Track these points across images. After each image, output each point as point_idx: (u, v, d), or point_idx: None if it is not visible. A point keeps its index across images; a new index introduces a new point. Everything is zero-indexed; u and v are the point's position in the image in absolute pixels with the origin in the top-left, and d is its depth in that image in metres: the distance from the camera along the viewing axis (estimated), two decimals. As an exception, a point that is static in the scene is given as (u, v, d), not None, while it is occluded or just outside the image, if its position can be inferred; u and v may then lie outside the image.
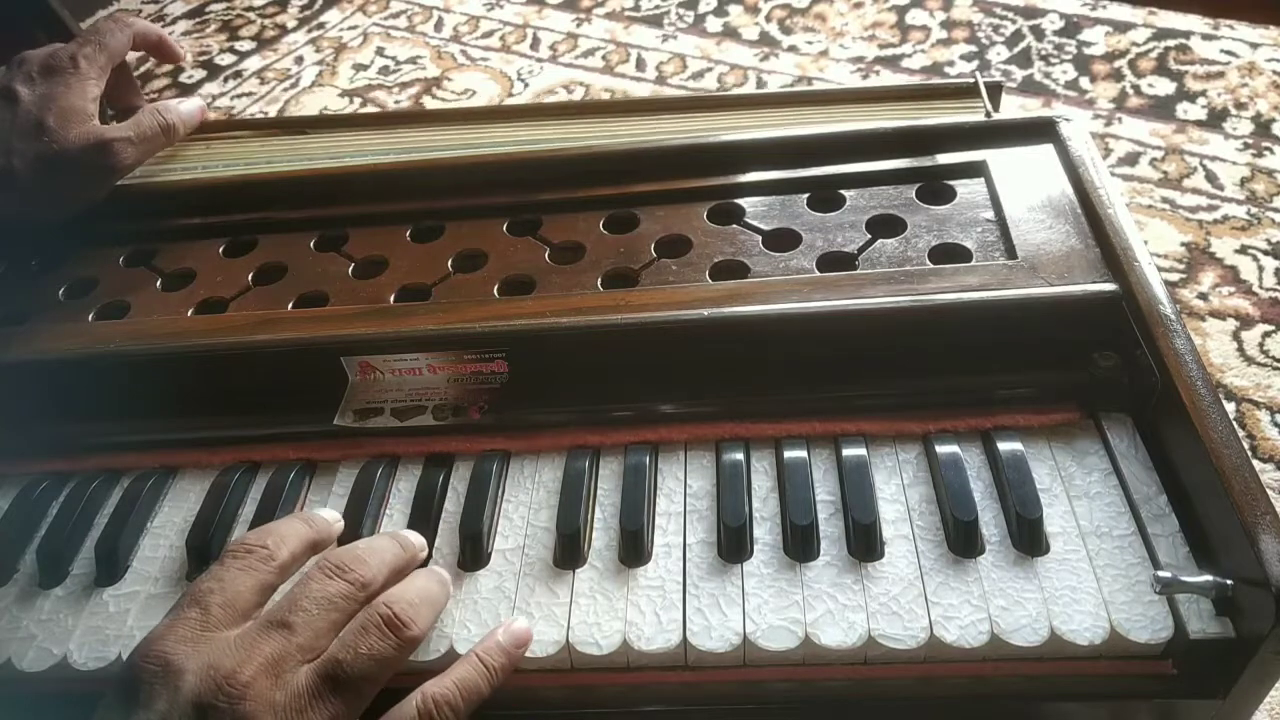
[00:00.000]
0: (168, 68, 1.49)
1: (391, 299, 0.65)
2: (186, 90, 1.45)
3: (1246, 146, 1.10)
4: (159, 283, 0.70)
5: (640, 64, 1.38)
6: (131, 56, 0.80)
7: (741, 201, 0.68)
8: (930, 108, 0.77)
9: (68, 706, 0.54)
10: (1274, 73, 1.20)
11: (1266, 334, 0.91)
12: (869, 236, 0.64)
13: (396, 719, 0.46)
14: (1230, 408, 0.85)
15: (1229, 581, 0.47)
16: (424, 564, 0.55)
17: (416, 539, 0.55)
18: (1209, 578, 0.47)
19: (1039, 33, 1.32)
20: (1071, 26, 1.32)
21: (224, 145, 0.83)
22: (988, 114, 0.74)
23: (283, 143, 0.83)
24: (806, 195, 0.68)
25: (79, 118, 0.71)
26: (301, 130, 0.84)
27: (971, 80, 0.77)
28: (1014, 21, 1.35)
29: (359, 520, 0.57)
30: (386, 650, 0.46)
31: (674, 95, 1.30)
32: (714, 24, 1.43)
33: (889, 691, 0.51)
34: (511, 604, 0.53)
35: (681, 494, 0.57)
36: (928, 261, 0.62)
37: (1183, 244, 1.00)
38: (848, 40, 1.36)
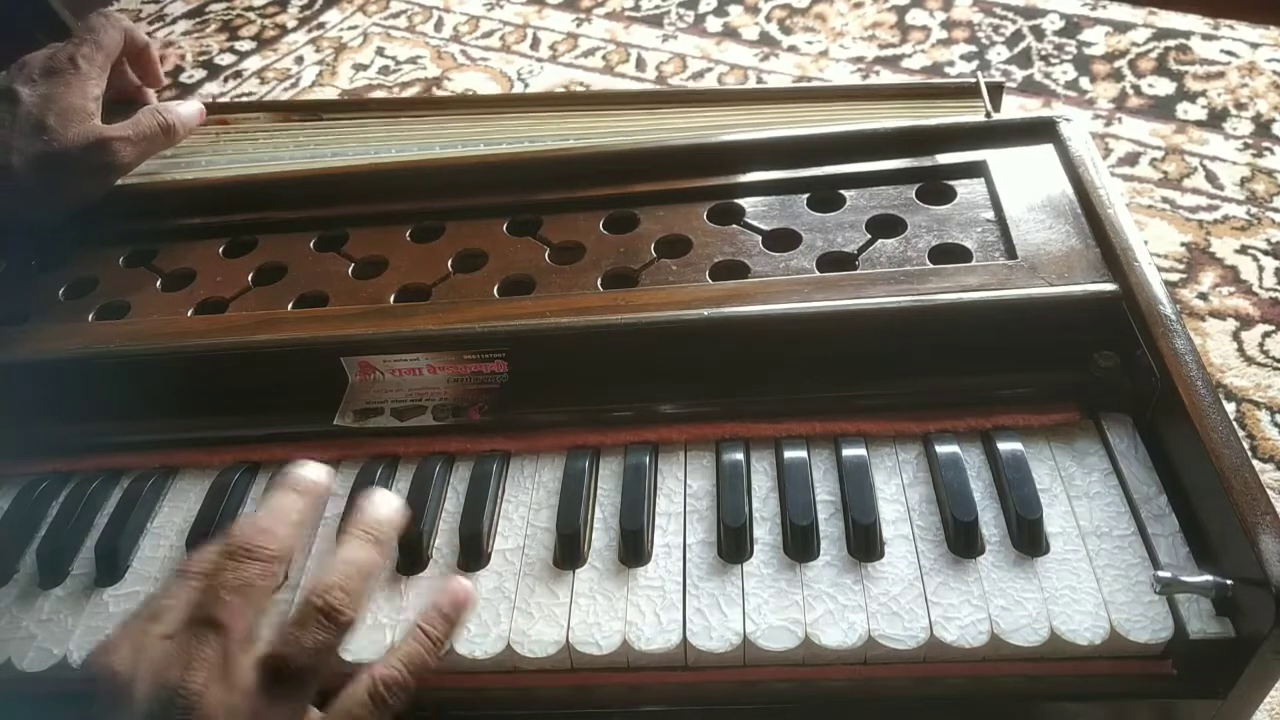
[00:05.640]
0: (168, 66, 1.48)
1: (391, 299, 0.65)
2: (187, 90, 1.45)
3: (1246, 146, 1.10)
4: (159, 283, 0.70)
5: (640, 64, 1.38)
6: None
7: (741, 201, 0.68)
8: (930, 107, 0.77)
9: (68, 706, 0.54)
10: (1274, 73, 1.20)
11: (1266, 334, 0.91)
12: (869, 236, 0.64)
13: (349, 704, 0.46)
14: (1230, 408, 0.85)
15: (1229, 581, 0.47)
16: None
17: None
18: (1209, 578, 0.47)
19: (1039, 33, 1.32)
20: (1071, 26, 1.32)
21: (231, 136, 0.83)
22: (988, 114, 0.74)
23: (289, 134, 0.83)
24: (806, 195, 0.68)
25: (79, 116, 0.71)
26: (316, 115, 0.84)
27: (972, 80, 0.76)
28: (1014, 21, 1.35)
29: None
30: (328, 639, 0.46)
31: (675, 89, 1.29)
32: (714, 24, 1.43)
33: (889, 691, 0.51)
34: (511, 604, 0.53)
35: (681, 494, 0.57)
36: (928, 261, 0.62)
37: (1183, 244, 1.00)
38: (848, 40, 1.36)
